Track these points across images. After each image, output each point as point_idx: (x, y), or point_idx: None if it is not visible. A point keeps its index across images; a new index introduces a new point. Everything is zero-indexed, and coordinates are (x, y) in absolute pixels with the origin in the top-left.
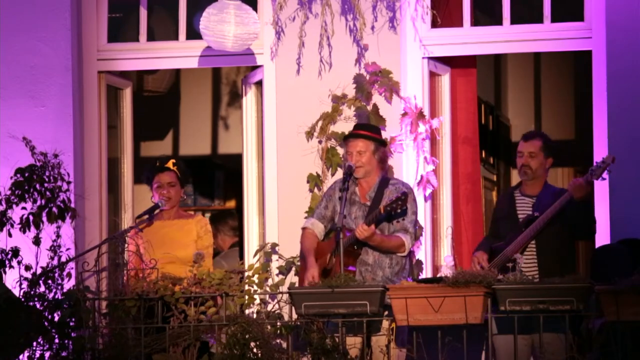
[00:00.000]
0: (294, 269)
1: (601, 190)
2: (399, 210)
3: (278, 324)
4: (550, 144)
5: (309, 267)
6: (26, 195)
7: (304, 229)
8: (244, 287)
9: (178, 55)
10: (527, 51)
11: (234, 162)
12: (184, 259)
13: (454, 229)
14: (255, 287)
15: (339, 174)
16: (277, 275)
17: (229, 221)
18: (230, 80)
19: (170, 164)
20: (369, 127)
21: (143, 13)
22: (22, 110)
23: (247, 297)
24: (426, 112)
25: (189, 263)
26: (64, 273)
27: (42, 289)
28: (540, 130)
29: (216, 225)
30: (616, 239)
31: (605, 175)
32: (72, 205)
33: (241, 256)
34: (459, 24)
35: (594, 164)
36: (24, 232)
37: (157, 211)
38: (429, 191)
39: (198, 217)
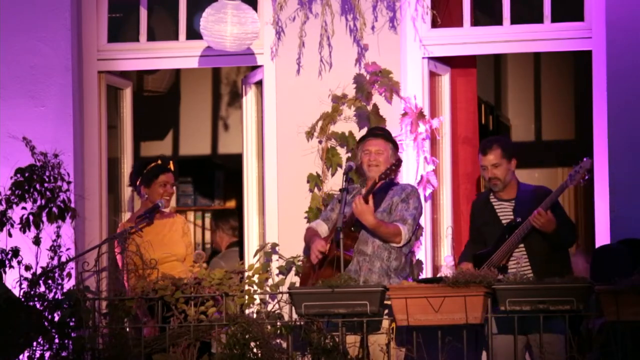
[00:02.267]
0: (294, 269)
1: (601, 190)
2: (392, 176)
3: (278, 324)
4: (509, 145)
5: (316, 240)
6: (26, 195)
7: (307, 227)
8: (244, 287)
9: (178, 55)
10: (527, 51)
11: (234, 162)
12: (179, 256)
13: (454, 229)
14: (255, 287)
15: (339, 173)
16: (277, 275)
17: (230, 220)
18: (230, 80)
19: (171, 165)
20: (387, 131)
21: (143, 13)
22: (22, 110)
23: (247, 297)
24: (426, 112)
25: (182, 258)
26: (64, 273)
27: (42, 289)
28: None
29: (217, 223)
30: (616, 239)
31: (582, 182)
32: (72, 205)
33: (241, 256)
34: (459, 24)
35: (573, 168)
36: (24, 232)
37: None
38: (429, 191)
39: (178, 215)
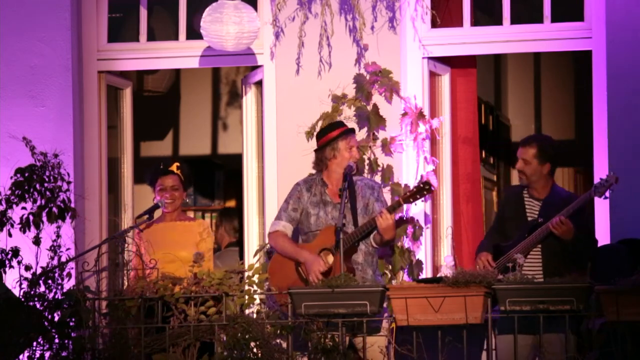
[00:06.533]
0: None
1: None
2: (420, 201)
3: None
4: (547, 149)
5: (311, 261)
6: (26, 195)
7: (275, 232)
8: (244, 287)
9: (178, 55)
10: (527, 51)
11: (234, 162)
12: (185, 259)
13: (454, 229)
14: (255, 287)
15: None
16: None
17: (233, 221)
18: (230, 80)
19: (174, 167)
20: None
21: (143, 13)
22: (22, 110)
23: (247, 297)
24: (426, 112)
25: (190, 263)
26: (64, 273)
27: (42, 289)
28: (540, 132)
29: (221, 221)
30: (616, 239)
31: (607, 194)
32: (72, 205)
33: (241, 256)
34: (459, 24)
35: (598, 180)
36: (24, 232)
37: (157, 211)
38: None
39: (199, 221)
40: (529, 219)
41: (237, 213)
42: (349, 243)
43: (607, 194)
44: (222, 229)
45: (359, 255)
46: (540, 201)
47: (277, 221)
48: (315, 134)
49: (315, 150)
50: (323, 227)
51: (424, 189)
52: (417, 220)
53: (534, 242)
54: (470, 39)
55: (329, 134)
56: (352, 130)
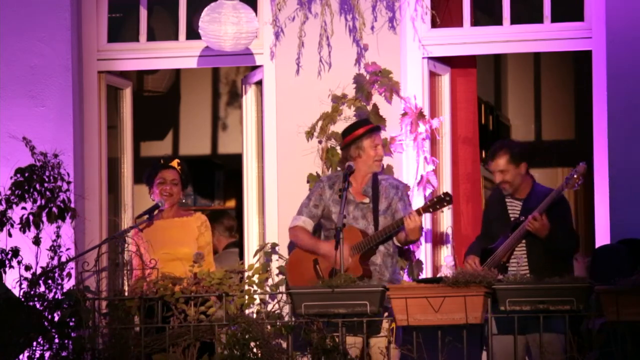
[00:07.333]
0: None
1: (601, 190)
2: (441, 212)
3: (278, 324)
4: (516, 150)
5: (330, 252)
6: (26, 195)
7: (295, 227)
8: (244, 287)
9: (178, 55)
10: (527, 51)
11: (234, 162)
12: (186, 257)
13: (454, 229)
14: (255, 287)
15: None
16: (277, 275)
17: (224, 221)
18: (229, 80)
19: (174, 163)
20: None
21: (143, 13)
22: (22, 110)
23: (247, 297)
24: (426, 112)
25: (191, 259)
26: (64, 273)
27: (42, 289)
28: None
29: (212, 225)
30: (616, 239)
31: (577, 186)
32: (72, 205)
33: (241, 256)
34: (459, 24)
35: (570, 173)
36: (24, 232)
37: (156, 211)
38: (429, 191)
39: (197, 214)
40: (512, 218)
41: (227, 213)
42: (369, 245)
43: (577, 186)
44: (216, 231)
45: (377, 256)
46: (521, 200)
47: (297, 216)
48: (342, 131)
49: (341, 148)
50: (345, 227)
51: (444, 200)
52: None
53: (515, 240)
54: (470, 39)
55: (354, 132)
56: (378, 128)
